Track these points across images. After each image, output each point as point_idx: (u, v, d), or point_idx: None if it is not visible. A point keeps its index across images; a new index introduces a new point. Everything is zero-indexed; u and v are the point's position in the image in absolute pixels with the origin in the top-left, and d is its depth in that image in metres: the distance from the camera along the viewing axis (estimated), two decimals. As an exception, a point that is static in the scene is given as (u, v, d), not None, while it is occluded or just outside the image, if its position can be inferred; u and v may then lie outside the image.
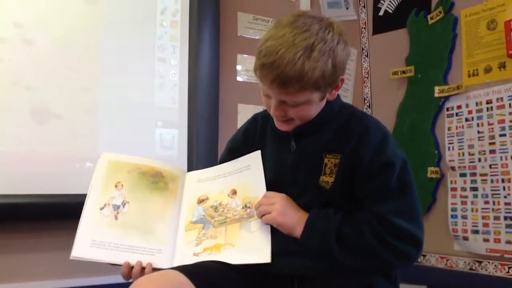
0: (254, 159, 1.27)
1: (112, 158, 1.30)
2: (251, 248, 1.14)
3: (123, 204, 1.23)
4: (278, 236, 1.15)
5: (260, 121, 1.32)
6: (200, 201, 1.27)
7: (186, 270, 1.03)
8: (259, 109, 2.20)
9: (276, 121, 1.19)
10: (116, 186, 1.25)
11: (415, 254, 1.09)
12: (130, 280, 1.12)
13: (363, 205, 1.12)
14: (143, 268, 1.14)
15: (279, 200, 1.15)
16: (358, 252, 1.07)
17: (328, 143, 1.16)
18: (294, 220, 1.12)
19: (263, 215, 1.15)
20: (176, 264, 1.15)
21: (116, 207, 1.22)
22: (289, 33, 1.04)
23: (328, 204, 1.13)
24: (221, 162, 1.38)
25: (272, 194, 1.18)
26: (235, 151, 1.35)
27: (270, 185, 1.22)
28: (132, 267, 1.14)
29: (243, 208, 1.21)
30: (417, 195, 1.12)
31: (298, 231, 1.11)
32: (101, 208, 1.21)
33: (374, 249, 1.05)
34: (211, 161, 2.00)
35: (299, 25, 1.05)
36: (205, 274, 1.05)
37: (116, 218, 1.20)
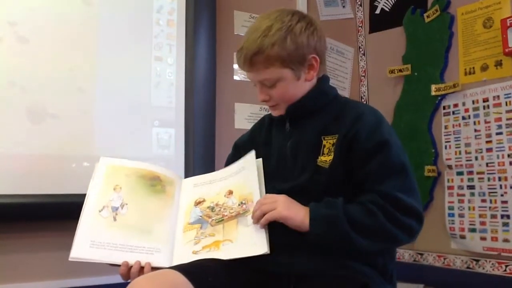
0: (248, 159, 1.29)
1: (110, 163, 1.31)
2: (249, 241, 1.15)
3: (122, 206, 1.23)
4: (275, 233, 1.15)
5: (267, 120, 1.39)
6: (197, 203, 1.29)
7: (184, 269, 1.04)
8: (256, 108, 2.23)
9: (270, 109, 1.31)
10: (114, 188, 1.26)
11: (418, 229, 1.13)
12: (129, 280, 1.12)
13: (364, 186, 1.13)
14: (142, 268, 1.14)
15: (281, 198, 1.16)
16: (371, 231, 1.08)
17: (325, 126, 1.21)
18: (299, 214, 1.12)
19: (265, 213, 1.14)
20: (175, 263, 1.16)
21: (115, 209, 1.22)
22: (256, 23, 1.23)
23: (327, 186, 1.15)
24: (228, 160, 1.44)
25: (272, 195, 1.19)
26: (240, 147, 1.42)
27: (273, 172, 1.26)
28: (131, 267, 1.14)
29: (239, 205, 1.22)
30: (413, 174, 1.16)
31: (304, 228, 1.10)
32: (100, 210, 1.21)
33: (385, 226, 1.08)
34: (208, 160, 2.00)
35: (264, 15, 1.24)
36: (203, 273, 1.05)
37: (114, 219, 1.21)
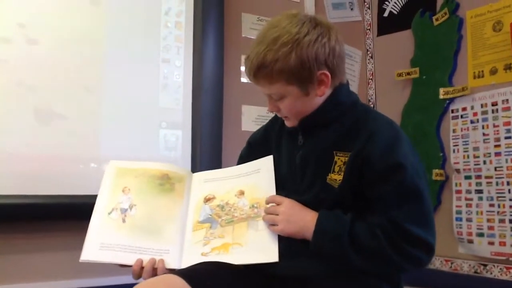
0: (265, 163, 1.28)
1: (119, 165, 1.32)
2: (259, 247, 1.15)
3: (130, 207, 1.24)
4: (282, 238, 1.15)
5: (281, 119, 1.32)
6: (207, 200, 1.28)
7: (184, 274, 1.03)
8: (263, 110, 2.23)
9: (284, 119, 1.25)
10: (123, 191, 1.26)
11: (427, 260, 1.09)
12: (140, 279, 1.12)
13: (375, 207, 1.10)
14: (155, 268, 1.15)
15: (283, 209, 1.15)
16: (372, 256, 1.06)
17: (339, 139, 1.15)
18: (302, 226, 1.12)
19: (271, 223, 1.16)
20: (184, 264, 1.16)
21: (124, 211, 1.23)
22: (263, 31, 1.14)
23: (336, 203, 1.12)
24: (241, 156, 1.42)
25: (278, 199, 1.18)
26: (253, 145, 1.40)
27: (282, 180, 1.23)
28: (142, 267, 1.14)
29: (250, 208, 1.22)
30: (429, 199, 1.10)
31: (308, 235, 1.11)
32: (109, 213, 1.23)
33: (388, 254, 1.05)
34: (215, 162, 2.00)
35: (273, 22, 1.14)
36: (203, 278, 1.05)
37: (123, 221, 1.22)
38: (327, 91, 1.16)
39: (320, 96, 1.15)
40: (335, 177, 1.13)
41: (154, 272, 1.14)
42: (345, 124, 1.16)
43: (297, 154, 1.21)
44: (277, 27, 1.11)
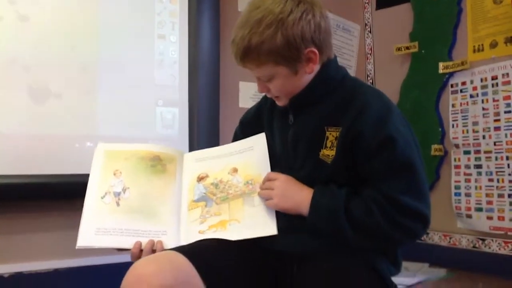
0: (258, 141, 1.27)
1: (108, 148, 1.30)
2: (257, 222, 1.15)
3: (124, 190, 1.23)
4: (282, 214, 1.15)
5: (270, 99, 1.31)
6: (200, 179, 1.27)
7: (184, 250, 1.03)
8: (260, 86, 2.20)
9: (274, 99, 1.24)
10: (114, 174, 1.25)
11: (422, 231, 1.10)
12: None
13: (368, 182, 1.10)
14: (153, 250, 1.14)
15: (278, 184, 1.15)
16: (368, 230, 1.06)
17: (329, 115, 1.14)
18: (297, 201, 1.12)
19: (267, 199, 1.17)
20: (183, 243, 1.15)
21: (117, 194, 1.22)
22: (246, 13, 1.12)
23: (330, 178, 1.12)
24: (235, 134, 1.42)
25: (273, 175, 1.18)
26: (246, 124, 1.39)
27: (277, 159, 1.23)
28: (141, 250, 1.14)
29: (244, 184, 1.22)
30: (423, 171, 1.10)
31: (304, 210, 1.11)
32: (102, 197, 1.21)
33: (383, 228, 1.05)
34: (212, 139, 1.99)
35: (255, 2, 1.12)
36: (204, 254, 1.05)
37: (118, 204, 1.21)
38: (315, 68, 1.15)
39: (309, 73, 1.15)
40: (328, 153, 1.13)
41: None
42: (335, 99, 1.16)
43: (288, 133, 1.21)
44: (260, 7, 1.09)
